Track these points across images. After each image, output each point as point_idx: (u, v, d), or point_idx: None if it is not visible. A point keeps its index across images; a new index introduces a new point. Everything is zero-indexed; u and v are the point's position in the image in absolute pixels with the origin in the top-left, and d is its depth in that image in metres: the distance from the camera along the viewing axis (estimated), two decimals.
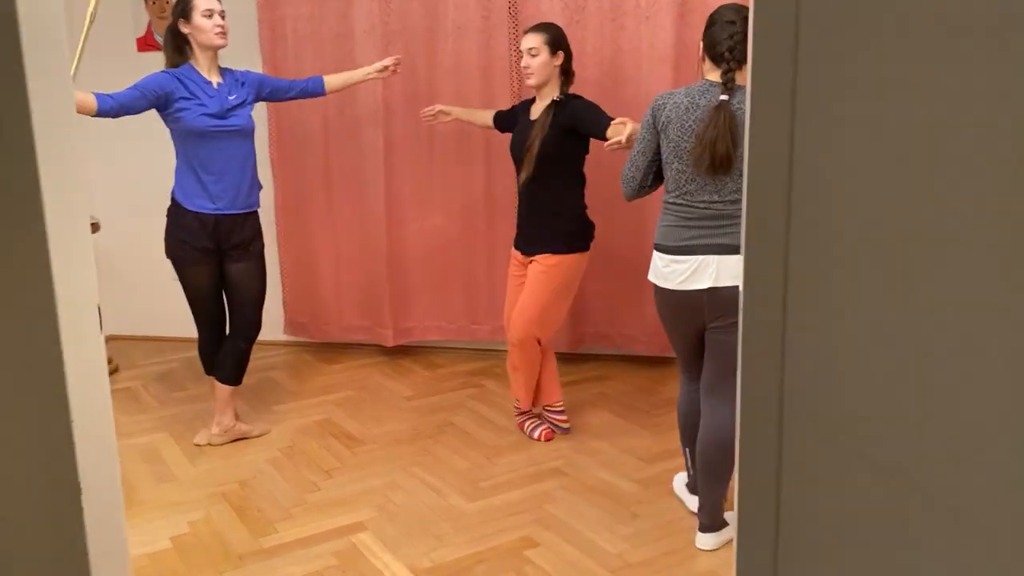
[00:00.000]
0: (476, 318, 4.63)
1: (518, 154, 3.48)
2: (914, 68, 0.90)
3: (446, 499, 3.12)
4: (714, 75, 2.57)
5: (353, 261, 4.70)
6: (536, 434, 3.59)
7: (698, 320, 2.63)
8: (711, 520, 2.74)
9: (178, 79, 3.37)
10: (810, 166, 1.02)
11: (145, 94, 3.29)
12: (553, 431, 3.61)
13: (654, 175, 2.70)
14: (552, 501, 3.08)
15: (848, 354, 1.02)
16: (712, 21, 2.58)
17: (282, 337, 4.96)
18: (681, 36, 4.08)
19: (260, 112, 4.67)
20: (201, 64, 3.45)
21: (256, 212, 3.59)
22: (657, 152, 2.66)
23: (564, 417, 3.67)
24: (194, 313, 3.61)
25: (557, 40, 3.40)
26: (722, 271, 2.54)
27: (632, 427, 3.71)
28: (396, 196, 4.55)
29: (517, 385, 3.61)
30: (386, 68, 3.84)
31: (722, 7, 2.61)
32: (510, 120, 3.74)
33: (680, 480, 3.07)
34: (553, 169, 3.39)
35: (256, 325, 3.67)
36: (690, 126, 2.55)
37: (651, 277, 2.72)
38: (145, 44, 4.89)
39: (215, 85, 3.45)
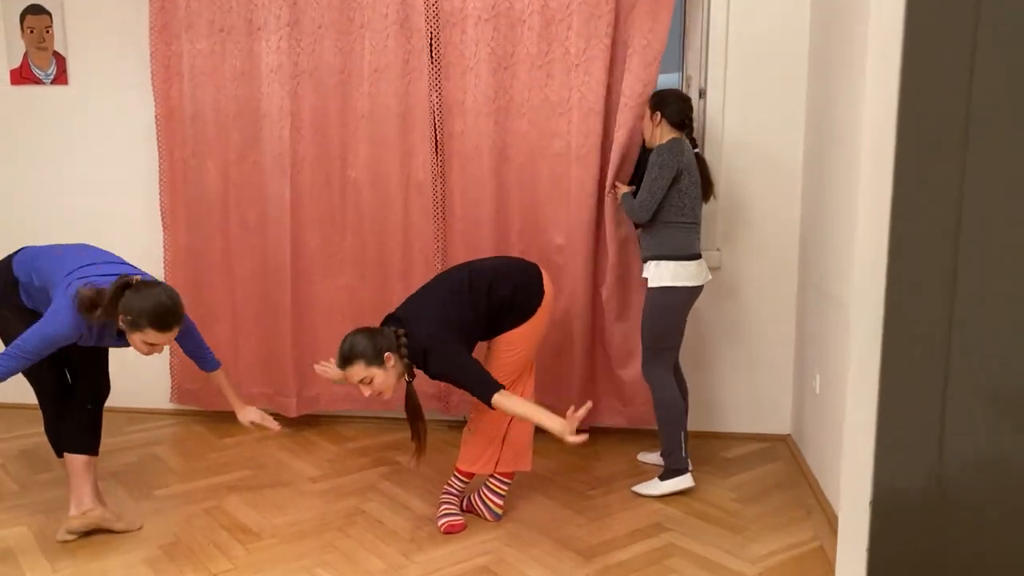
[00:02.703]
0: None
1: None
2: None
3: None
4: (675, 135, 3.45)
5: (252, 321, 4.24)
6: (440, 523, 3.19)
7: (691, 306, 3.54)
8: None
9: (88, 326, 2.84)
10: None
11: (42, 352, 2.78)
12: (459, 525, 3.18)
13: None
14: None
15: None
16: (667, 100, 3.47)
17: (168, 406, 4.42)
18: (612, 86, 3.84)
19: (151, 154, 4.22)
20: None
21: None
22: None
23: (501, 501, 3.28)
24: (34, 385, 3.13)
25: (375, 349, 2.91)
26: (707, 269, 3.53)
27: (567, 513, 3.35)
28: (302, 251, 4.13)
29: (465, 448, 3.24)
30: (256, 425, 3.40)
31: (666, 90, 3.54)
32: None
33: (653, 457, 3.79)
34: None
35: (105, 384, 3.24)
36: (695, 166, 3.44)
37: (674, 282, 3.40)
38: (20, 77, 4.37)
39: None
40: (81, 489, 3.11)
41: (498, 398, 2.82)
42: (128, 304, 2.77)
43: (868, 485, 1.00)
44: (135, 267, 3.08)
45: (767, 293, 4.04)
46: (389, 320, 3.07)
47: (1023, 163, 0.86)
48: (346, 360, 2.93)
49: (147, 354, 2.89)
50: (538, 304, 3.15)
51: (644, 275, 3.50)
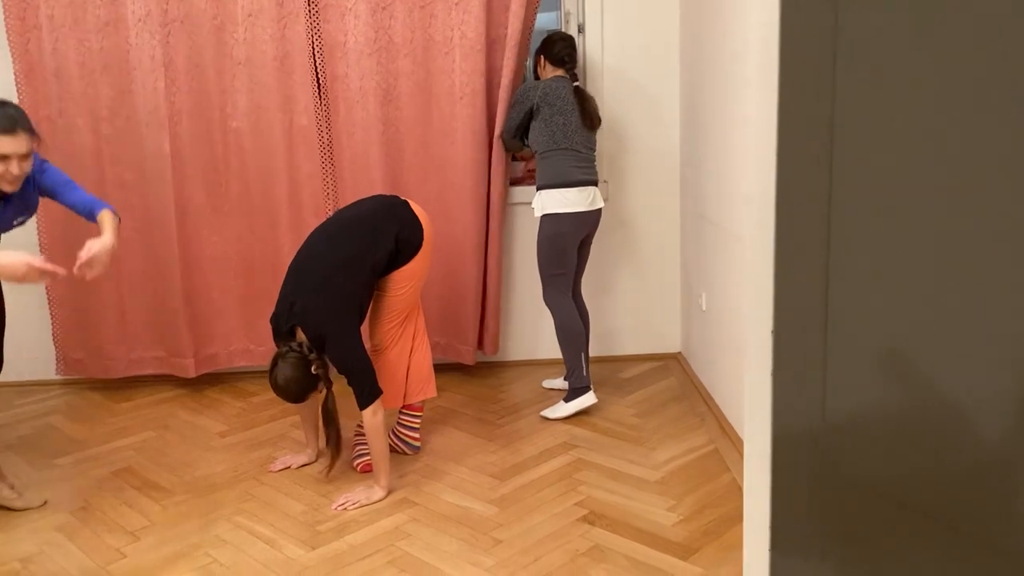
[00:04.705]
0: None
1: None
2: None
3: (281, 550, 2.73)
4: (558, 72, 3.65)
5: (140, 283, 4.11)
6: (355, 463, 3.26)
7: (585, 233, 3.64)
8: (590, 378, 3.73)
9: None
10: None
11: None
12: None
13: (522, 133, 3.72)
14: (405, 537, 2.77)
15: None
16: (552, 41, 3.66)
17: (56, 377, 4.27)
18: (493, 24, 3.88)
19: None
20: None
21: None
22: (526, 119, 3.63)
23: (416, 434, 3.37)
24: None
25: (310, 379, 2.95)
26: (598, 196, 3.62)
27: (479, 441, 3.47)
28: (187, 206, 4.03)
29: None
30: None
31: (550, 32, 3.74)
32: None
33: (558, 382, 3.97)
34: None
35: None
36: (564, 97, 3.55)
37: (557, 208, 3.54)
38: None
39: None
40: None
41: (373, 408, 2.95)
42: None
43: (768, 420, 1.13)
44: None
45: (652, 219, 4.22)
46: (280, 313, 3.01)
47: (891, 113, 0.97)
48: (298, 401, 3.01)
49: (10, 180, 2.67)
50: (420, 241, 3.18)
51: (532, 205, 3.65)
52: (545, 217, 3.58)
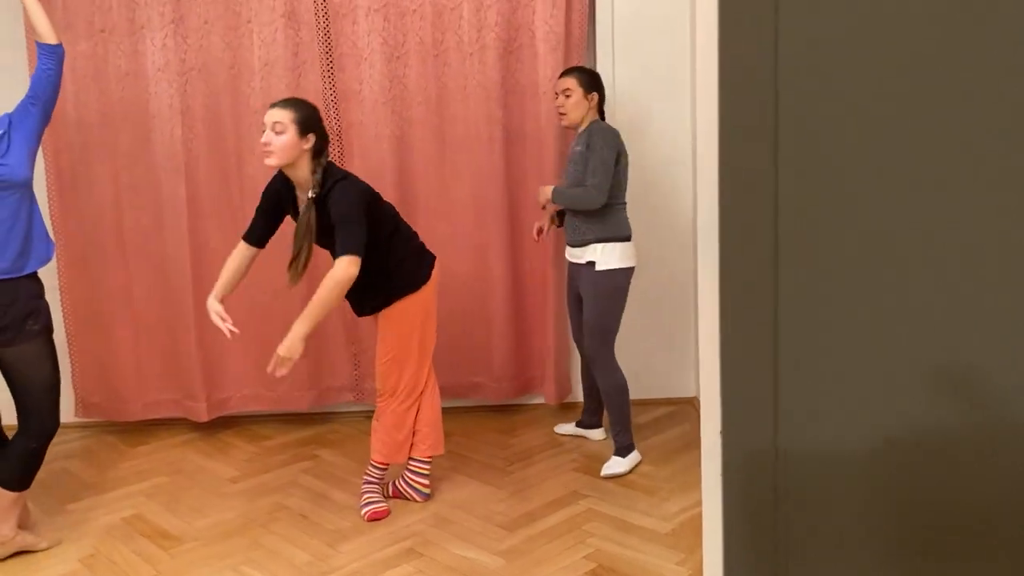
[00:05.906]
0: (299, 384, 4.19)
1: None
2: None
3: None
4: (600, 118, 3.48)
5: (154, 327, 4.15)
6: (364, 511, 3.22)
7: None
8: None
9: None
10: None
11: None
12: (383, 511, 3.22)
13: None
14: None
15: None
16: (601, 84, 3.47)
17: (73, 420, 4.30)
18: (509, 73, 3.93)
19: (36, 160, 4.06)
20: None
21: (29, 280, 2.98)
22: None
23: (426, 481, 3.34)
24: None
25: (308, 121, 2.98)
26: None
27: (488, 489, 3.44)
28: (202, 251, 4.07)
29: (376, 438, 3.29)
30: None
31: (596, 72, 3.55)
32: (276, 205, 3.26)
33: (570, 428, 3.95)
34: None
35: (50, 419, 3.04)
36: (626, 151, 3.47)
37: (622, 263, 3.43)
38: None
39: None
40: (5, 521, 2.99)
41: (349, 261, 2.91)
42: None
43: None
44: None
45: (666, 261, 4.20)
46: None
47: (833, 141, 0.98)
48: (284, 101, 3.03)
49: None
50: (423, 280, 3.21)
51: (587, 259, 3.44)
52: (610, 272, 3.40)
